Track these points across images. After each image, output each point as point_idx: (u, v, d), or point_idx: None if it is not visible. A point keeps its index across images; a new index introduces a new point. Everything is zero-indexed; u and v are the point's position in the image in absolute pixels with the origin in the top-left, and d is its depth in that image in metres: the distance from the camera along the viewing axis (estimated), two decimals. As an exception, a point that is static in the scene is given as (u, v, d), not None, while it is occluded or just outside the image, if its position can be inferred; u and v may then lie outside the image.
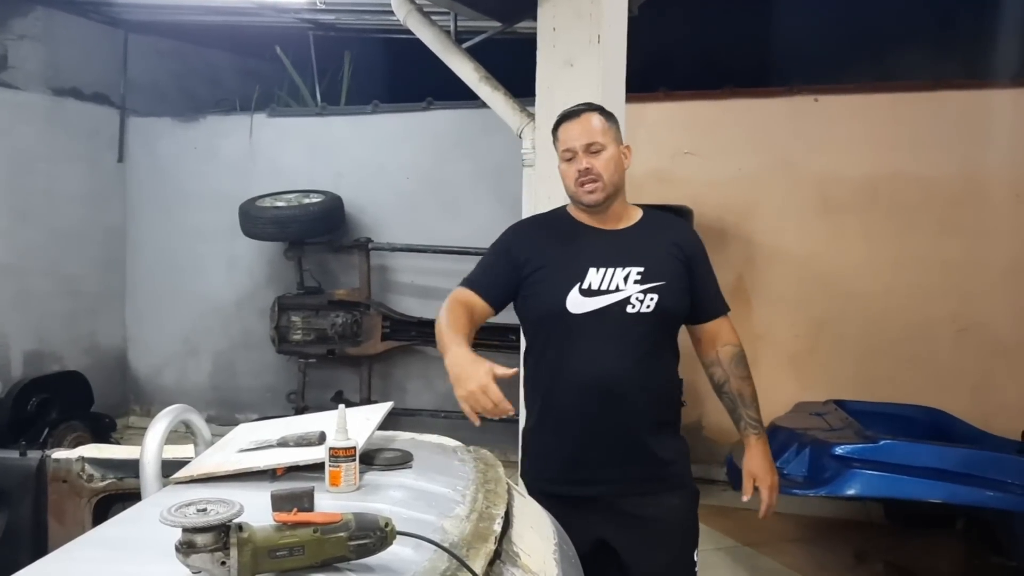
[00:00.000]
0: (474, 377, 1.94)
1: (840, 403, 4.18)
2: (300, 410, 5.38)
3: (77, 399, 5.16)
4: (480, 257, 2.35)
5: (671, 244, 2.20)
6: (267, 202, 5.51)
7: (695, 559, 2.20)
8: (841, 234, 5.01)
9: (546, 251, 2.20)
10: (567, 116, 2.20)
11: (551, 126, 2.24)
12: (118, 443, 4.64)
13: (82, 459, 2.14)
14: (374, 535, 1.23)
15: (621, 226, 2.22)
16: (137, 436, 6.05)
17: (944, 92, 4.86)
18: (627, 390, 2.11)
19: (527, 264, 2.20)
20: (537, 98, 2.87)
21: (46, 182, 5.64)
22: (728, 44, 6.15)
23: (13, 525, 2.16)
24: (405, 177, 5.74)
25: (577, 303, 2.12)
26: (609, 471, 2.15)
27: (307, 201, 5.50)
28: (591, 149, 2.13)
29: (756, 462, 2.23)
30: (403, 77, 6.42)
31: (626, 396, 2.12)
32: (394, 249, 5.59)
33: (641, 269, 2.12)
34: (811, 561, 4.05)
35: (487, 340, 5.37)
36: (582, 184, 2.13)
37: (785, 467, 3.56)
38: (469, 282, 2.26)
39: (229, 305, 6.13)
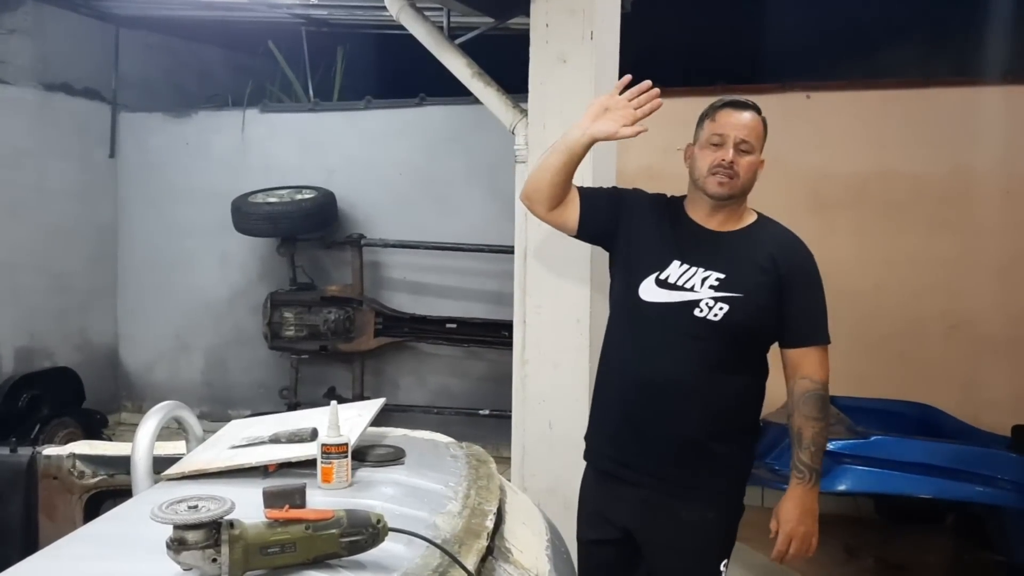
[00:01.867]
0: (598, 103, 2.16)
1: (831, 399, 4.18)
2: (292, 406, 5.37)
3: (68, 395, 5.14)
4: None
5: (768, 257, 2.08)
6: (259, 198, 5.49)
7: (722, 569, 2.12)
8: (832, 231, 5.02)
9: (645, 228, 2.16)
10: (732, 104, 2.12)
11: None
12: (110, 439, 4.61)
13: (73, 455, 2.13)
14: (366, 532, 1.24)
15: (725, 229, 2.13)
16: (129, 432, 6.05)
17: (934, 89, 4.86)
18: (673, 393, 2.06)
19: (623, 228, 2.18)
20: (530, 94, 2.87)
21: (37, 178, 5.61)
22: (720, 41, 6.15)
23: (4, 522, 2.14)
24: (398, 173, 5.73)
25: (650, 291, 2.09)
26: (646, 462, 2.11)
27: (299, 197, 5.49)
28: (742, 147, 2.06)
29: (784, 508, 2.11)
30: (396, 73, 6.41)
31: (670, 398, 2.07)
32: (387, 245, 5.59)
33: (722, 276, 2.04)
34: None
35: (480, 336, 5.39)
36: (715, 173, 2.06)
37: (776, 463, 3.57)
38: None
39: (221, 301, 6.11)
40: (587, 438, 2.31)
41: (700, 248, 2.09)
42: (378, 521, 1.25)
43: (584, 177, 2.45)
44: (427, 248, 5.49)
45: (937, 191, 4.82)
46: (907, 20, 5.75)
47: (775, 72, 5.36)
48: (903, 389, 4.49)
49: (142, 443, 1.68)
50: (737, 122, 2.08)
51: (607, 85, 2.84)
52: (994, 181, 4.75)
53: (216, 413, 5.75)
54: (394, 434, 1.96)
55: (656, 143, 5.24)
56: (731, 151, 2.05)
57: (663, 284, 2.08)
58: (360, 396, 5.52)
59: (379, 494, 1.53)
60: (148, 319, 6.29)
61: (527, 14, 2.94)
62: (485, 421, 5.19)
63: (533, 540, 1.66)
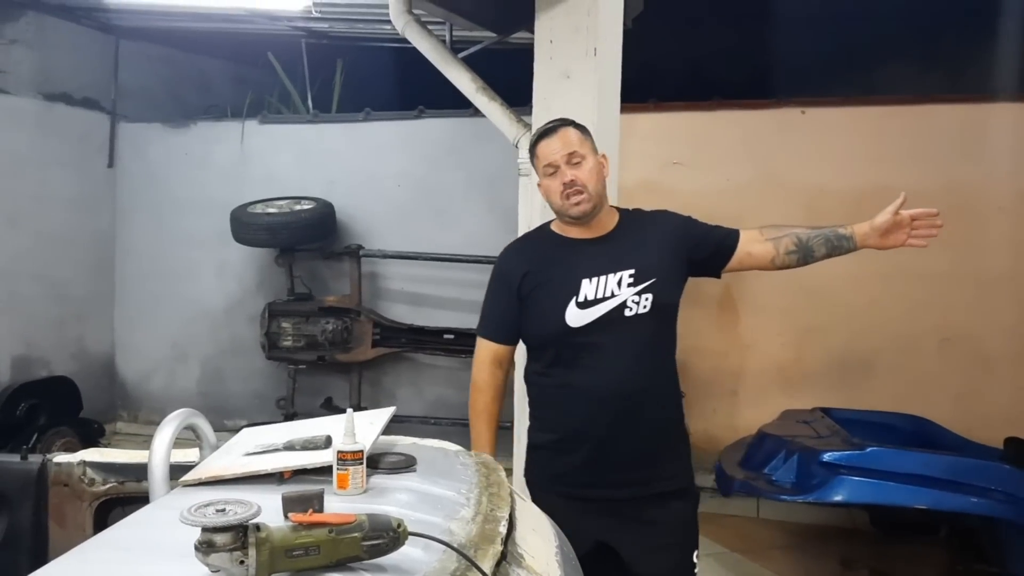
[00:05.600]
0: None
1: (826, 411, 4.23)
2: (289, 416, 5.38)
3: (66, 405, 5.15)
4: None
5: (655, 235, 2.24)
6: (259, 208, 5.52)
7: (695, 560, 2.24)
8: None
9: (537, 270, 2.25)
10: (544, 134, 2.25)
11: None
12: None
13: (83, 463, 2.15)
14: (387, 536, 1.26)
15: (605, 232, 2.26)
16: (125, 442, 6.06)
17: (929, 106, 4.94)
18: (640, 393, 2.16)
19: (523, 286, 2.26)
20: (534, 109, 2.91)
21: (36, 187, 5.63)
22: (717, 56, 6.22)
23: (14, 529, 2.16)
24: (396, 185, 5.77)
25: (576, 317, 2.16)
26: (619, 477, 2.18)
27: (299, 208, 5.52)
28: (572, 160, 2.17)
29: (875, 219, 2.26)
30: (395, 85, 6.46)
31: (640, 400, 2.16)
32: (385, 256, 5.62)
33: (632, 271, 2.16)
34: (798, 568, 4.11)
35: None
36: (568, 196, 2.17)
37: (773, 474, 3.62)
38: (482, 329, 2.38)
39: (218, 311, 6.13)
40: (531, 480, 2.33)
41: (598, 258, 2.20)
42: (398, 525, 1.27)
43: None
44: (425, 259, 5.52)
45: (932, 206, 4.85)
46: (902, 37, 5.84)
47: (771, 88, 5.43)
48: (897, 402, 4.54)
49: (159, 449, 1.70)
50: (557, 145, 2.20)
51: (609, 101, 2.90)
52: (988, 197, 4.82)
53: (212, 423, 5.61)
54: (403, 442, 1.98)
55: (653, 157, 5.36)
56: (566, 171, 2.16)
57: (584, 304, 2.16)
58: (357, 406, 5.53)
59: (394, 500, 1.55)
60: (145, 329, 6.29)
61: (529, 29, 2.99)
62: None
63: (543, 546, 1.69)
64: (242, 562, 1.17)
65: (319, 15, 5.11)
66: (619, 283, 2.16)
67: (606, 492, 2.19)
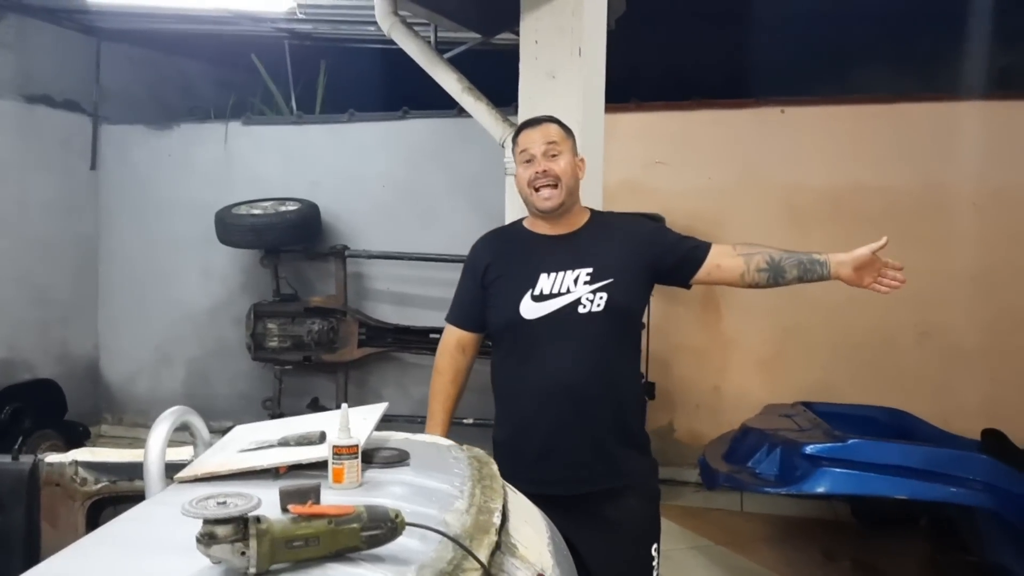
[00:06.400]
0: None
1: (808, 405, 4.30)
2: (275, 417, 5.38)
3: (50, 408, 5.12)
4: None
5: (622, 240, 2.27)
6: (243, 210, 5.52)
7: (653, 554, 2.27)
8: (806, 243, 5.07)
9: (501, 263, 2.30)
10: (527, 124, 2.31)
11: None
12: (93, 451, 4.60)
13: (75, 463, 2.15)
14: (385, 526, 1.29)
15: (571, 230, 2.30)
16: (111, 445, 6.03)
17: (905, 105, 5.03)
18: (587, 390, 2.19)
19: (486, 276, 2.31)
20: (520, 109, 2.94)
21: (17, 190, 5.60)
22: (698, 57, 6.29)
23: (6, 529, 2.16)
24: (381, 185, 5.78)
25: (531, 309, 2.21)
26: (572, 471, 2.22)
27: (283, 209, 5.52)
28: (549, 152, 2.22)
29: (851, 253, 2.27)
30: (379, 86, 6.48)
31: (586, 396, 2.19)
32: (370, 256, 5.63)
33: (590, 270, 2.20)
34: (781, 559, 4.16)
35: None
36: (537, 189, 2.22)
37: (757, 467, 3.68)
38: (449, 315, 2.44)
39: (203, 313, 6.12)
40: (500, 472, 2.37)
41: (559, 254, 2.24)
42: (396, 516, 1.30)
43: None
44: (410, 259, 5.54)
45: (908, 204, 4.97)
46: (879, 38, 5.93)
47: (751, 88, 5.50)
48: (877, 396, 4.62)
49: (155, 446, 1.72)
50: (535, 136, 2.25)
51: (594, 101, 2.94)
52: (961, 194, 4.92)
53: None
54: (396, 438, 2.01)
55: (636, 156, 5.42)
56: (541, 161, 2.21)
57: (539, 298, 2.21)
58: (344, 407, 5.54)
59: (389, 493, 1.58)
60: (130, 331, 6.27)
61: (513, 31, 3.04)
62: (469, 430, 5.23)
63: (535, 537, 1.72)
64: (243, 553, 1.20)
65: (303, 16, 5.11)
66: (575, 280, 2.20)
67: (557, 488, 2.20)
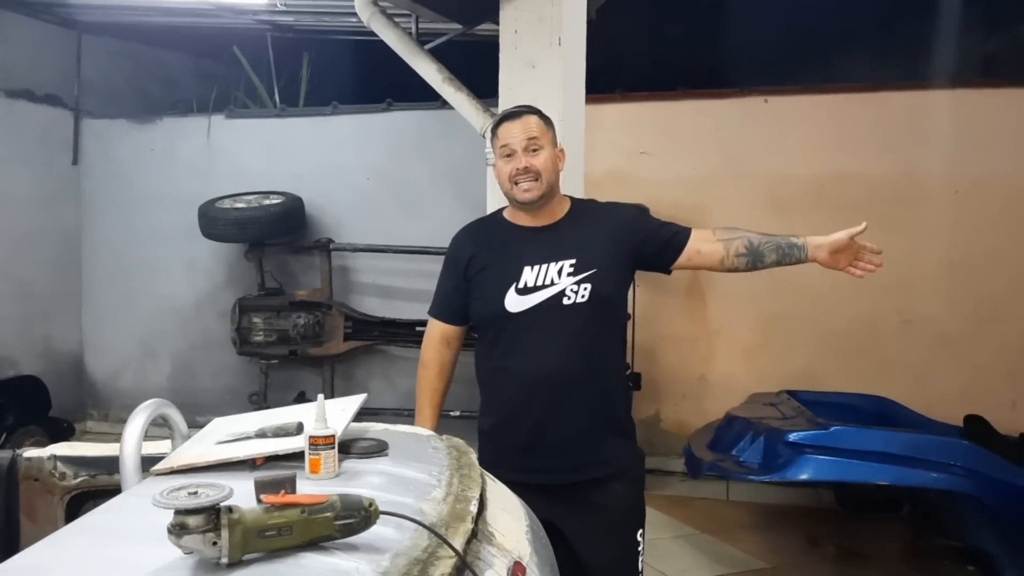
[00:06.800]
0: None
1: (792, 393, 4.32)
2: (262, 411, 5.37)
3: (34, 404, 5.09)
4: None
5: (604, 228, 2.27)
6: (227, 203, 5.49)
7: (639, 539, 2.29)
8: (790, 231, 5.17)
9: (484, 255, 2.30)
10: (507, 116, 2.29)
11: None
12: (77, 447, 4.58)
13: (54, 457, 2.14)
14: (359, 515, 1.29)
15: (552, 221, 2.29)
16: (96, 440, 6.00)
17: (886, 93, 5.05)
18: (572, 380, 2.20)
19: (469, 269, 2.31)
20: (500, 99, 2.94)
21: (-2, 185, 5.56)
22: (681, 47, 6.29)
23: (-15, 524, 2.16)
24: (365, 178, 5.77)
25: (515, 302, 2.21)
26: (561, 460, 2.23)
27: (267, 202, 5.50)
28: (530, 147, 2.21)
29: (831, 237, 2.29)
30: (362, 78, 6.45)
31: (572, 386, 2.20)
32: (355, 249, 5.62)
33: (573, 260, 2.20)
34: (766, 546, 4.19)
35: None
36: (517, 183, 2.21)
37: (741, 455, 3.69)
38: (432, 309, 2.45)
39: (188, 307, 6.09)
40: (486, 461, 2.38)
41: (542, 246, 2.24)
42: (370, 504, 1.30)
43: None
44: (395, 252, 5.53)
45: (891, 192, 5.00)
46: (862, 27, 5.95)
47: (735, 77, 5.51)
48: (860, 383, 4.65)
49: (130, 439, 1.71)
50: (518, 129, 2.23)
51: (574, 90, 2.94)
52: (943, 181, 4.94)
53: (184, 420, 5.72)
54: (376, 428, 2.01)
55: (620, 147, 5.42)
56: (523, 158, 2.20)
57: (524, 291, 2.21)
58: (330, 400, 5.54)
59: (366, 483, 1.58)
60: (114, 326, 6.24)
61: (495, 21, 3.03)
62: (456, 422, 5.20)
63: (514, 525, 1.72)
64: (215, 543, 1.19)
65: (284, 8, 5.09)
66: (559, 272, 2.19)
67: (544, 477, 2.21)
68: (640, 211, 2.39)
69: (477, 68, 3.52)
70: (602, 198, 2.56)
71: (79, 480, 2.15)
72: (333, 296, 5.59)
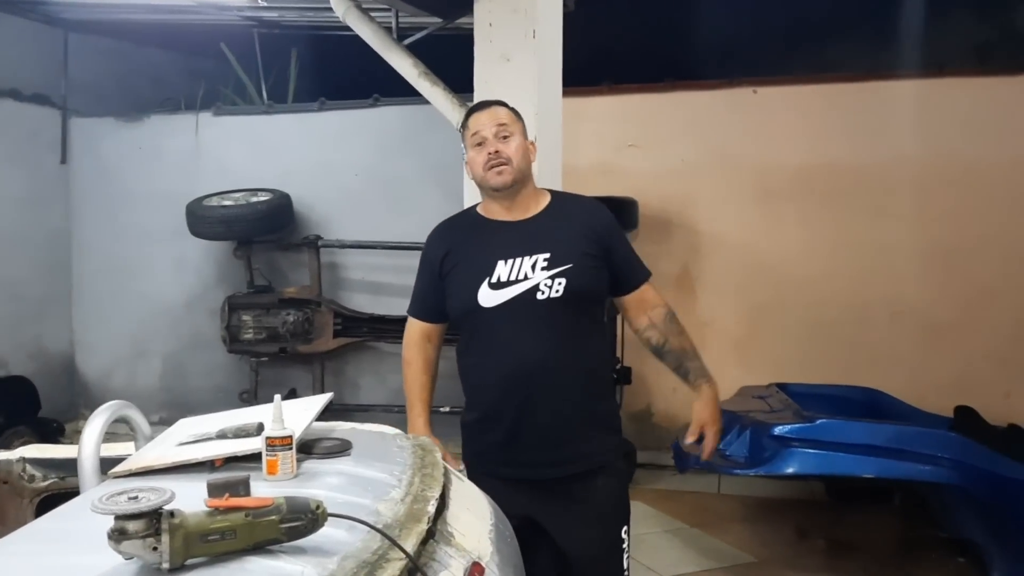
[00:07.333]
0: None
1: (782, 386, 4.30)
2: (253, 409, 5.36)
3: (23, 405, 5.10)
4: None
5: (580, 225, 2.25)
6: (214, 201, 5.47)
7: (623, 536, 2.27)
8: (780, 222, 5.15)
9: (458, 251, 2.28)
10: (475, 108, 2.31)
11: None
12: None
13: (23, 459, 2.13)
14: (305, 517, 1.27)
15: (529, 215, 2.27)
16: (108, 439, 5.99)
17: (876, 82, 5.02)
18: (549, 375, 2.18)
19: (443, 266, 2.29)
20: (475, 93, 2.91)
21: (-15, 185, 5.54)
22: (668, 37, 6.25)
23: (-46, 527, 2.14)
24: (353, 174, 5.74)
25: (488, 297, 2.19)
26: (540, 455, 2.21)
27: (255, 200, 5.47)
28: (500, 134, 2.21)
29: (706, 409, 2.28)
30: (351, 74, 6.40)
31: (549, 381, 2.18)
32: (344, 246, 5.60)
33: (548, 255, 2.18)
34: (756, 539, 4.18)
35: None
36: (491, 167, 2.19)
37: (727, 448, 3.67)
38: (411, 308, 2.45)
39: (178, 306, 6.07)
40: (466, 461, 2.36)
41: (516, 240, 2.22)
42: (317, 507, 1.28)
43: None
44: (384, 248, 5.50)
45: (880, 181, 4.97)
46: (849, 16, 5.90)
47: (722, 68, 5.47)
48: (851, 374, 4.63)
49: (88, 442, 1.70)
50: (486, 118, 2.24)
51: (550, 83, 2.91)
52: (936, 171, 4.91)
53: (175, 418, 5.57)
54: (342, 427, 1.99)
55: (608, 139, 5.40)
56: (493, 142, 2.20)
57: (497, 285, 2.19)
58: (321, 397, 5.52)
59: (324, 484, 1.56)
60: (104, 326, 6.22)
61: (473, 13, 2.99)
62: (445, 418, 5.17)
63: (477, 524, 1.71)
64: (155, 548, 1.18)
65: (266, 4, 5.05)
66: (533, 266, 2.17)
67: (525, 471, 2.21)
68: (616, 223, 2.35)
69: (461, 63, 3.49)
70: (588, 191, 2.54)
71: (48, 482, 2.14)
72: (322, 293, 5.58)
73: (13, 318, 5.75)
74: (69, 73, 6.12)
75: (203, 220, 5.39)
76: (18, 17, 5.72)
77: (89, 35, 6.14)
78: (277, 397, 1.65)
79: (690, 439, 2.31)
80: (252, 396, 5.61)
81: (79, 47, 6.16)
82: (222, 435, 1.75)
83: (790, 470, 3.40)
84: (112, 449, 1.96)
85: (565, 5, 3.11)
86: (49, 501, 2.14)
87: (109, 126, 6.18)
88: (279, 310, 5.51)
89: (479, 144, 2.22)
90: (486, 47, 2.87)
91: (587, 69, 3.63)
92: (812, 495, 4.61)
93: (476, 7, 2.88)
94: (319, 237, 5.56)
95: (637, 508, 4.44)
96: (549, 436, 2.21)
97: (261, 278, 5.63)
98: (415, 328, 2.43)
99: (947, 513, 3.68)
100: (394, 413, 5.37)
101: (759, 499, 4.65)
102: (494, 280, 2.19)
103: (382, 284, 5.70)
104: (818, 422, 3.42)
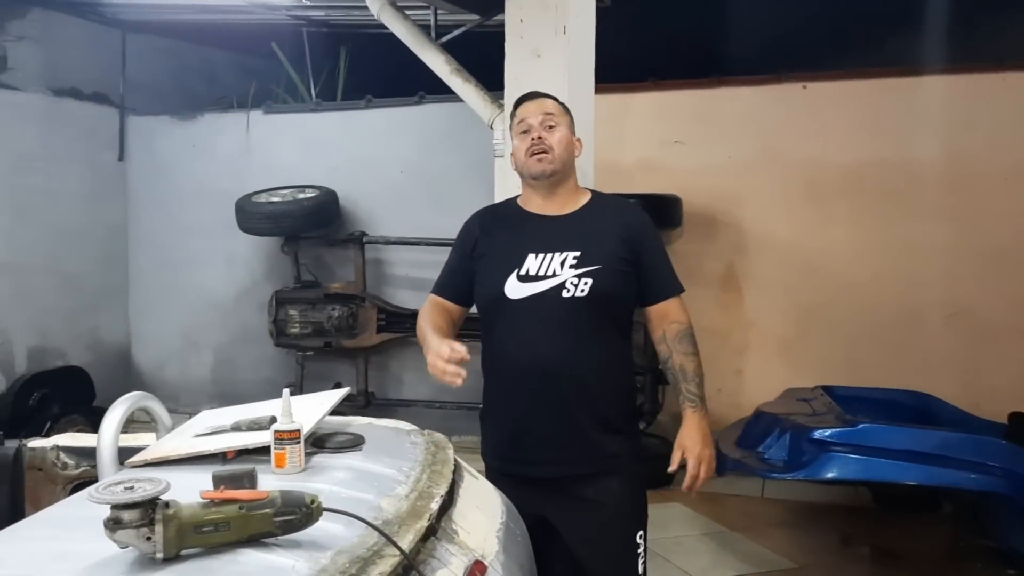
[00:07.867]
0: (432, 349, 2.10)
1: (828, 389, 4.19)
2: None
3: (78, 394, 5.25)
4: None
5: (616, 227, 2.22)
6: (263, 197, 5.57)
7: (639, 541, 2.21)
8: (830, 221, 5.02)
9: (491, 239, 2.27)
10: (525, 97, 2.31)
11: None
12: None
13: (57, 447, 2.20)
14: (299, 511, 1.28)
15: (566, 211, 2.25)
16: (140, 429, 6.15)
17: (931, 77, 4.86)
18: (563, 374, 2.15)
19: (475, 251, 2.28)
20: (506, 89, 2.90)
21: (46, 181, 5.72)
22: (715, 32, 6.14)
23: (-9, 513, 2.22)
24: (398, 171, 5.78)
25: (515, 289, 2.17)
26: (549, 453, 2.19)
27: (301, 196, 5.56)
28: (546, 123, 2.20)
29: (686, 434, 2.19)
30: (399, 71, 6.43)
31: (559, 379, 2.15)
32: (388, 242, 5.65)
33: (578, 254, 2.15)
34: (797, 545, 4.08)
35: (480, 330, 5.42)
36: (533, 154, 2.19)
37: (766, 452, 3.60)
38: (436, 287, 2.41)
39: (228, 300, 6.21)
40: (483, 452, 2.35)
41: (549, 235, 2.20)
42: (312, 501, 1.29)
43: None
44: (428, 244, 5.53)
45: (934, 179, 4.80)
46: (903, 7, 5.70)
47: (771, 63, 5.35)
48: (902, 378, 4.48)
49: (107, 432, 1.74)
50: (534, 107, 2.25)
51: (582, 80, 2.88)
52: (991, 167, 4.74)
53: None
54: (358, 423, 2.01)
55: (653, 136, 5.33)
56: (537, 130, 2.19)
57: (525, 278, 2.17)
58: (364, 391, 5.59)
59: (330, 478, 1.57)
60: (158, 318, 6.39)
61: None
62: (475, 413, 5.22)
63: (485, 522, 1.70)
64: (149, 538, 1.19)
65: (311, 3, 5.12)
66: (562, 263, 2.15)
67: (531, 469, 2.19)
68: (655, 229, 2.32)
69: (498, 59, 3.48)
70: (633, 188, 2.51)
71: (80, 470, 2.20)
72: (366, 288, 5.63)
73: (72, 310, 5.95)
74: (127, 72, 6.31)
75: (252, 216, 5.49)
76: (78, 19, 5.92)
77: (146, 35, 6.32)
78: (286, 391, 1.67)
79: (672, 467, 2.21)
80: (298, 390, 5.70)
81: (136, 47, 6.34)
82: (236, 428, 1.77)
83: (829, 475, 3.31)
84: (136, 440, 2.02)
85: (601, 1, 3.07)
86: (81, 488, 2.20)
87: (164, 124, 6.34)
88: (324, 305, 5.59)
89: (524, 132, 2.22)
90: (516, 43, 2.85)
91: (631, 65, 3.58)
92: (858, 501, 4.48)
93: (508, 3, 2.87)
94: (364, 233, 5.62)
95: (677, 510, 4.42)
96: (552, 435, 2.18)
97: (308, 273, 5.72)
98: (434, 300, 2.39)
99: (996, 523, 3.54)
100: (436, 408, 5.40)
101: (803, 504, 4.55)
102: (523, 273, 2.17)
103: (425, 280, 5.66)
104: (860, 426, 3.33)
